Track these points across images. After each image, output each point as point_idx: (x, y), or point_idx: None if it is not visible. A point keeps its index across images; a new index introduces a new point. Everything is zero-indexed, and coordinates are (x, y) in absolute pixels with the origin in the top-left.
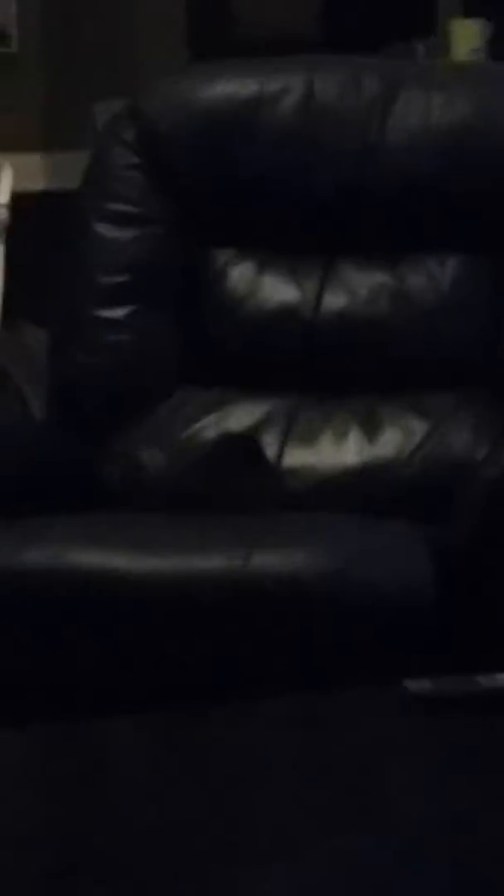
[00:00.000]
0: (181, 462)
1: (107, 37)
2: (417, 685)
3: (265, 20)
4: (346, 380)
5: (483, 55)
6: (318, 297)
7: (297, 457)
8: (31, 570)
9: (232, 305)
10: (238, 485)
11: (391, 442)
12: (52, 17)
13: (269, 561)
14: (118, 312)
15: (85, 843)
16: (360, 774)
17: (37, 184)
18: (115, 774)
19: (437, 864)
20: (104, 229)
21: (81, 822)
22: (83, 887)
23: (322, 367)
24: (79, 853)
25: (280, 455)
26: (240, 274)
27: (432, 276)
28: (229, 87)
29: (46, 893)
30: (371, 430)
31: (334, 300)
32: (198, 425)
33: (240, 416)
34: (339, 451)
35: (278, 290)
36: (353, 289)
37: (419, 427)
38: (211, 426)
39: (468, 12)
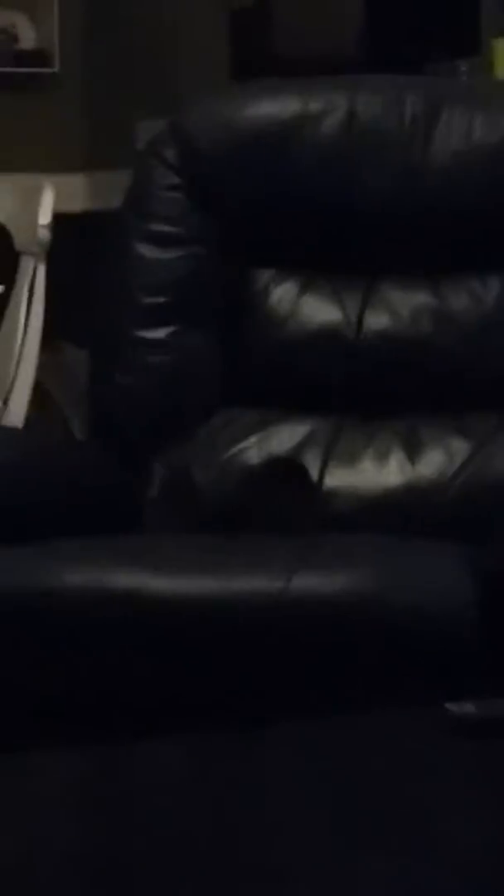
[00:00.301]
0: (224, 483)
1: (149, 56)
2: (460, 708)
3: (307, 40)
4: (388, 400)
5: None
6: (360, 318)
7: (338, 477)
8: (72, 591)
9: (273, 325)
10: (284, 507)
11: (433, 463)
12: (94, 37)
13: (310, 583)
14: (159, 333)
15: (114, 864)
16: (401, 798)
17: (78, 204)
18: (148, 796)
19: (479, 890)
20: (145, 249)
21: (112, 842)
22: None
23: (364, 388)
24: (107, 874)
25: (321, 476)
26: (281, 294)
27: (475, 296)
28: (271, 106)
29: None
30: (413, 450)
31: (376, 320)
32: (239, 446)
33: (281, 437)
34: (380, 471)
35: (320, 311)
36: (396, 309)
37: (461, 448)
38: (252, 447)
39: None
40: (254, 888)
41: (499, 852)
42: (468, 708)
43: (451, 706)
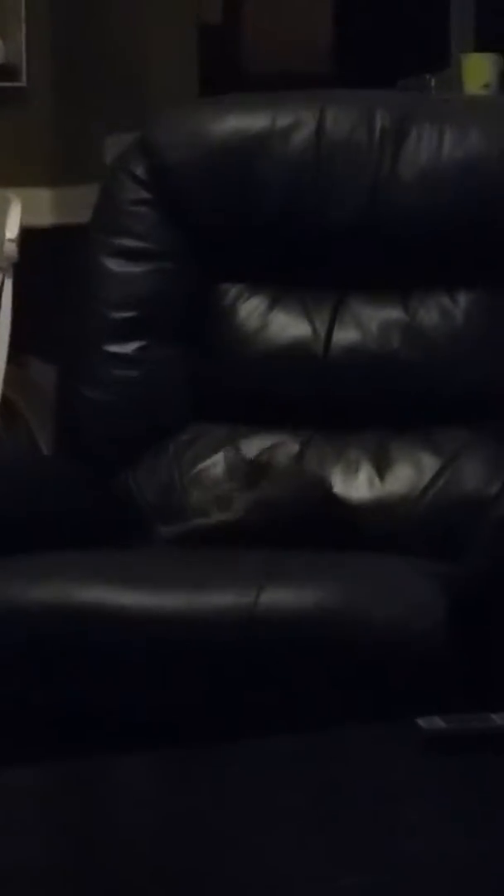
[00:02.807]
0: (193, 498)
1: (117, 70)
2: (430, 723)
3: (277, 55)
4: (358, 415)
5: (495, 90)
6: (329, 333)
7: None
8: (39, 606)
9: (242, 341)
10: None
11: (403, 478)
12: (62, 50)
13: (279, 598)
14: (127, 348)
15: (90, 880)
16: (372, 814)
17: (45, 218)
18: (120, 812)
19: None
20: (113, 264)
21: (85, 860)
22: None
23: (333, 403)
24: (83, 891)
25: None
26: (250, 309)
27: (444, 311)
28: (240, 121)
29: None
30: (382, 466)
31: (345, 335)
32: (208, 461)
33: (251, 453)
34: (350, 487)
35: (289, 326)
36: (365, 324)
37: (431, 463)
38: (221, 462)
39: (480, 47)
40: None
41: (469, 867)
42: (438, 723)
43: (422, 721)
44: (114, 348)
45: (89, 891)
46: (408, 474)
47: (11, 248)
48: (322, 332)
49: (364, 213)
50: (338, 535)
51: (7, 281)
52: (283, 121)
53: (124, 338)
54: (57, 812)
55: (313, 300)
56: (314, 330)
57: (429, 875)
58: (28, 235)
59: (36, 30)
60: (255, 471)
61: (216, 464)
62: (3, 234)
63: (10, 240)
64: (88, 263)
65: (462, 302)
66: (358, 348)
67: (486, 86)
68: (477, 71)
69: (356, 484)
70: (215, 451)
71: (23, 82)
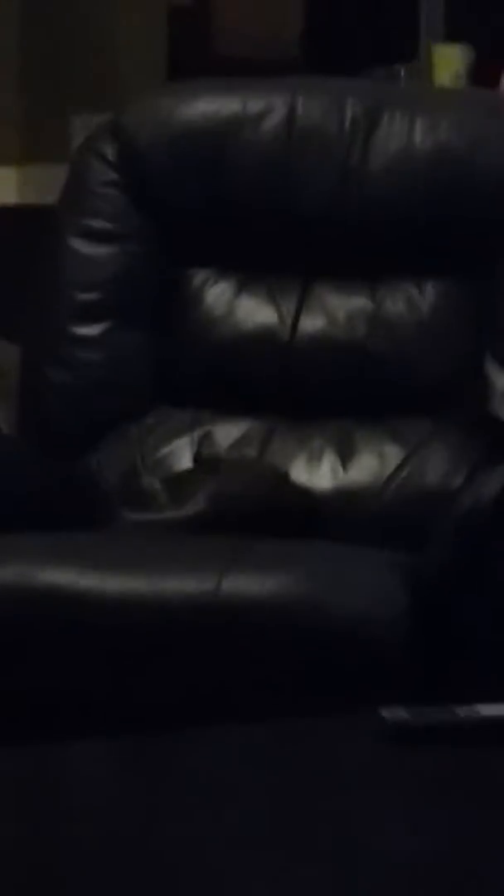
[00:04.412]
0: (156, 482)
1: (84, 50)
2: (393, 714)
3: (246, 40)
4: (322, 404)
5: (464, 80)
6: (296, 320)
7: None
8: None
9: (208, 325)
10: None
11: (366, 468)
12: (29, 29)
13: (241, 586)
14: (92, 330)
15: (49, 870)
16: (334, 803)
17: (10, 197)
18: (78, 799)
19: None
20: (80, 245)
21: (44, 848)
22: None
23: (298, 391)
24: (41, 881)
25: None
26: (217, 294)
27: (411, 301)
28: (211, 105)
29: None
30: (346, 455)
31: (312, 323)
32: (171, 446)
33: (214, 439)
34: (313, 475)
35: (255, 312)
36: (331, 312)
37: (394, 453)
38: (185, 447)
39: (450, 37)
40: (186, 894)
41: (431, 858)
42: (401, 714)
43: (384, 712)
44: (79, 330)
45: (44, 878)
46: (371, 464)
47: None
48: (288, 319)
49: (333, 200)
50: (297, 522)
51: None
52: (255, 106)
53: (89, 320)
54: (14, 798)
55: (280, 286)
56: (280, 317)
57: (389, 866)
58: None
59: (2, 9)
60: (205, 465)
61: (176, 452)
62: None
63: None
64: (55, 243)
65: (429, 292)
66: (324, 336)
67: (457, 77)
68: (447, 62)
69: (319, 473)
70: (178, 437)
71: None
